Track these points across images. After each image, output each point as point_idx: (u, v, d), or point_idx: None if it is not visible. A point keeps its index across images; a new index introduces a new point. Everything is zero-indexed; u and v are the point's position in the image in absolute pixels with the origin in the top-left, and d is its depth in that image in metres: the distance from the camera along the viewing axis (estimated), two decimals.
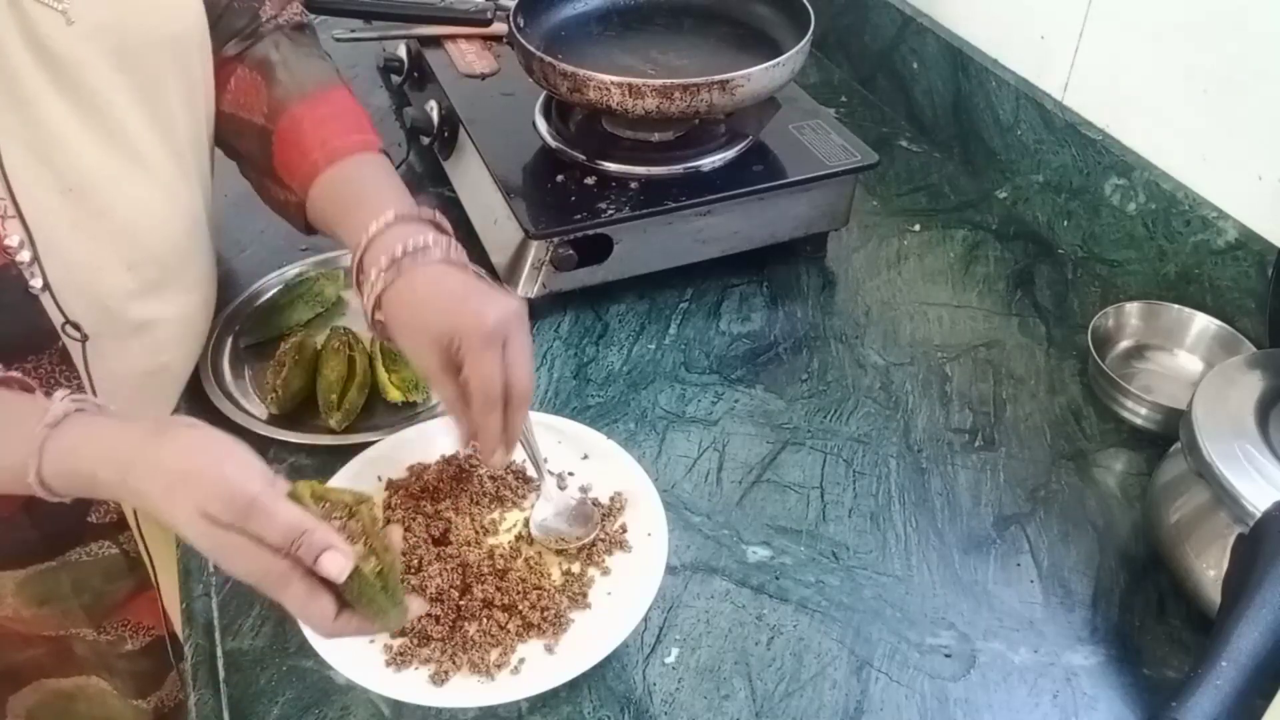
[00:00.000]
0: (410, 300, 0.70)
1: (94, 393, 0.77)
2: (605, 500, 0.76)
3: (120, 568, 0.92)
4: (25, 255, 0.71)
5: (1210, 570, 0.69)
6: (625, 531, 0.74)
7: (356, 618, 0.59)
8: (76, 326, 0.75)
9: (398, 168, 1.15)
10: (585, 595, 0.70)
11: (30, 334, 0.66)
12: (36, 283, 0.72)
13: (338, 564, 0.56)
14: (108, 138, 0.73)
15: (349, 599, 0.58)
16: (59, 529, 0.87)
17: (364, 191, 0.79)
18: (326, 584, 0.57)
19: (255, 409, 0.85)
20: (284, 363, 0.85)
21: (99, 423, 0.61)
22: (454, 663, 0.65)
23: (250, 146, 0.85)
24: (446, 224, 0.77)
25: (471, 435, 0.70)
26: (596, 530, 0.73)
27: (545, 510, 0.75)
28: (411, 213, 0.75)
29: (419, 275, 0.71)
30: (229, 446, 0.58)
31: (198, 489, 0.55)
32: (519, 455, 0.79)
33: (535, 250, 0.92)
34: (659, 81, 0.89)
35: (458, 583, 0.69)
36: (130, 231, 0.77)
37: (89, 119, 0.72)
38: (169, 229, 0.81)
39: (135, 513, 0.88)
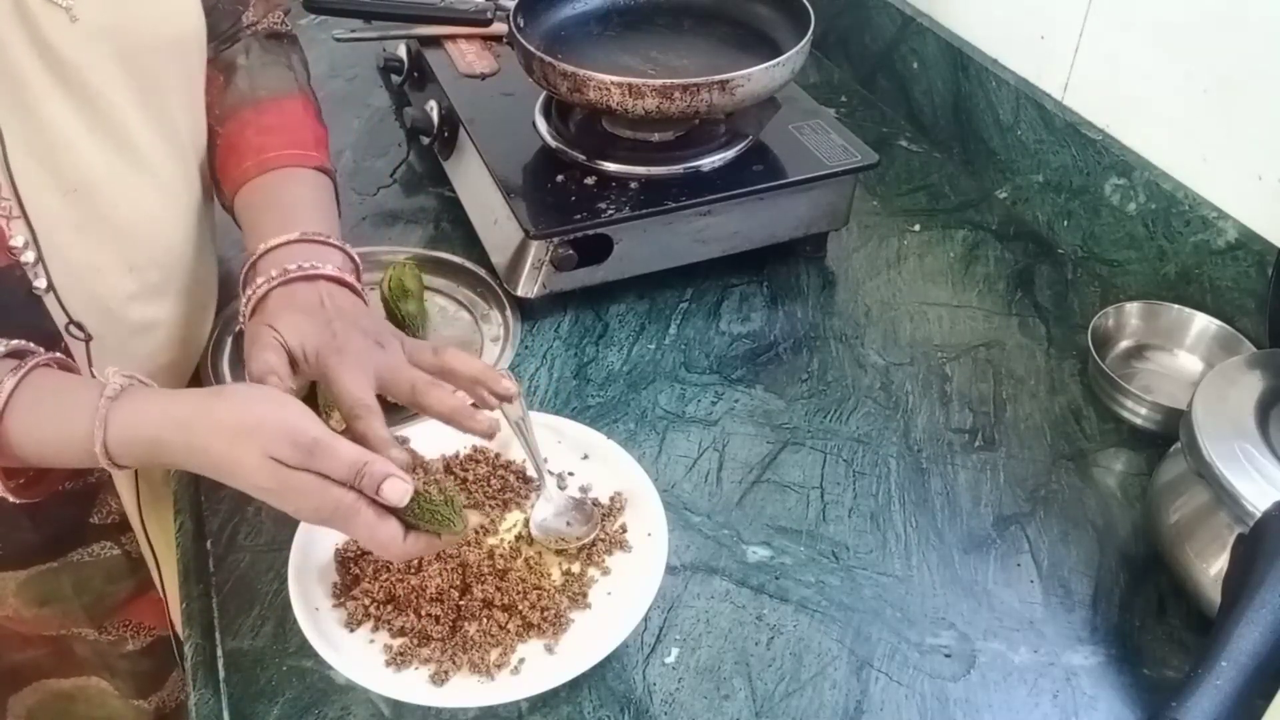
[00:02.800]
0: (287, 307, 0.70)
1: None
2: (605, 500, 0.76)
3: (122, 568, 0.92)
4: (30, 256, 0.71)
5: (1210, 570, 0.69)
6: (625, 531, 0.74)
7: (424, 537, 0.62)
8: (80, 327, 0.75)
9: (397, 168, 1.17)
10: (585, 595, 0.70)
11: (34, 335, 0.67)
12: (40, 284, 0.72)
13: (399, 490, 0.59)
14: (110, 139, 0.73)
15: (412, 522, 0.62)
16: (61, 530, 0.87)
17: (279, 206, 0.78)
18: (391, 512, 0.61)
19: None
20: None
21: (153, 392, 0.63)
22: (454, 663, 0.65)
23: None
24: (354, 255, 0.76)
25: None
26: (596, 530, 0.73)
27: (545, 510, 0.75)
28: (319, 236, 0.74)
29: (280, 294, 0.70)
30: (282, 398, 0.61)
31: (262, 436, 0.58)
32: (518, 455, 0.79)
33: (535, 250, 0.92)
34: (659, 81, 0.89)
35: (458, 583, 0.69)
36: (132, 233, 0.77)
37: (92, 120, 0.72)
38: (171, 231, 0.81)
39: (140, 512, 0.88)
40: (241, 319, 0.73)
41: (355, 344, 0.68)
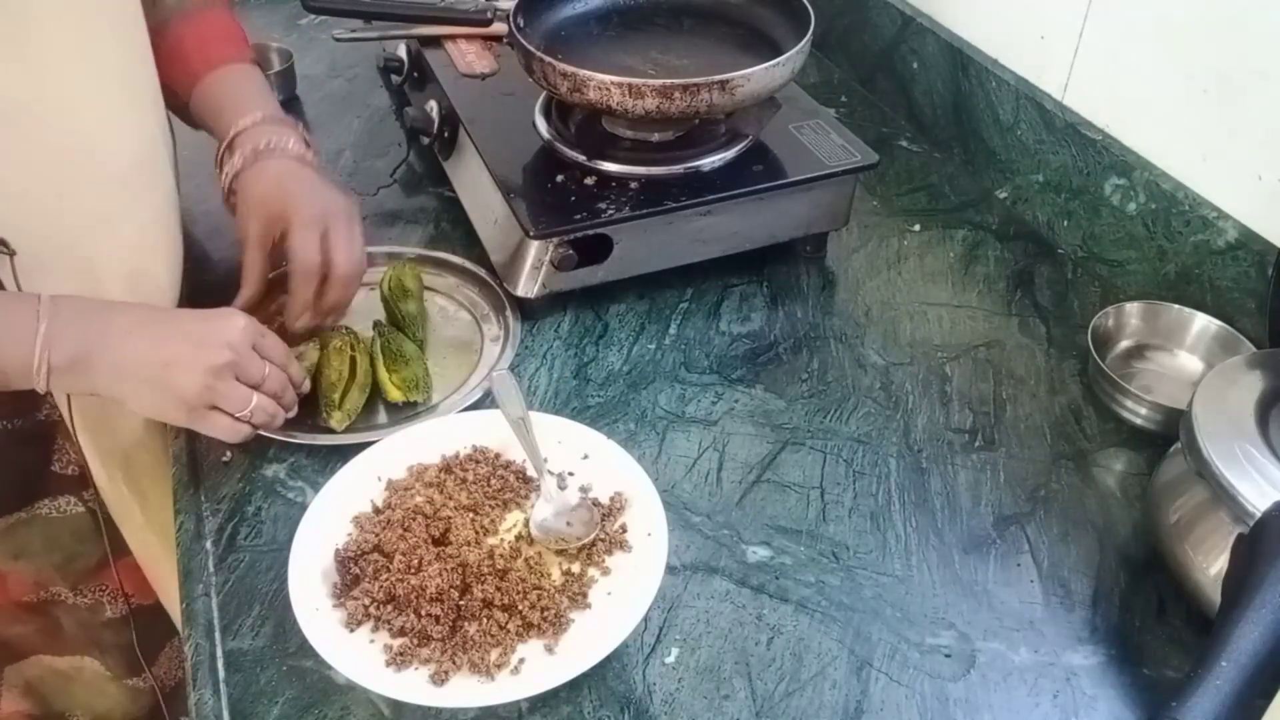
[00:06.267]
0: (258, 181, 0.85)
1: None
2: (605, 500, 0.76)
3: (89, 529, 0.92)
4: None
5: (1210, 570, 0.69)
6: (625, 531, 0.74)
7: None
8: (4, 243, 0.74)
9: (397, 168, 1.17)
10: (585, 595, 0.70)
11: None
12: None
13: (291, 399, 0.81)
14: (32, 66, 0.73)
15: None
16: (22, 476, 0.88)
17: (235, 95, 0.91)
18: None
19: None
20: None
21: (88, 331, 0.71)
22: (454, 663, 0.65)
23: None
24: (304, 132, 0.90)
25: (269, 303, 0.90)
26: (596, 530, 0.73)
27: (545, 510, 0.75)
28: (277, 115, 0.89)
29: (273, 164, 0.86)
30: (176, 344, 0.72)
31: (171, 389, 0.72)
32: (518, 455, 0.79)
33: (535, 250, 0.92)
34: (659, 81, 0.89)
35: (458, 583, 0.69)
36: (58, 158, 0.77)
37: (12, 42, 0.71)
38: (99, 159, 0.80)
39: (103, 472, 0.89)
40: (221, 192, 0.88)
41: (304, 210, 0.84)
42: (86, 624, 0.97)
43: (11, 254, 0.75)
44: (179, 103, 0.93)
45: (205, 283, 0.97)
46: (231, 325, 0.74)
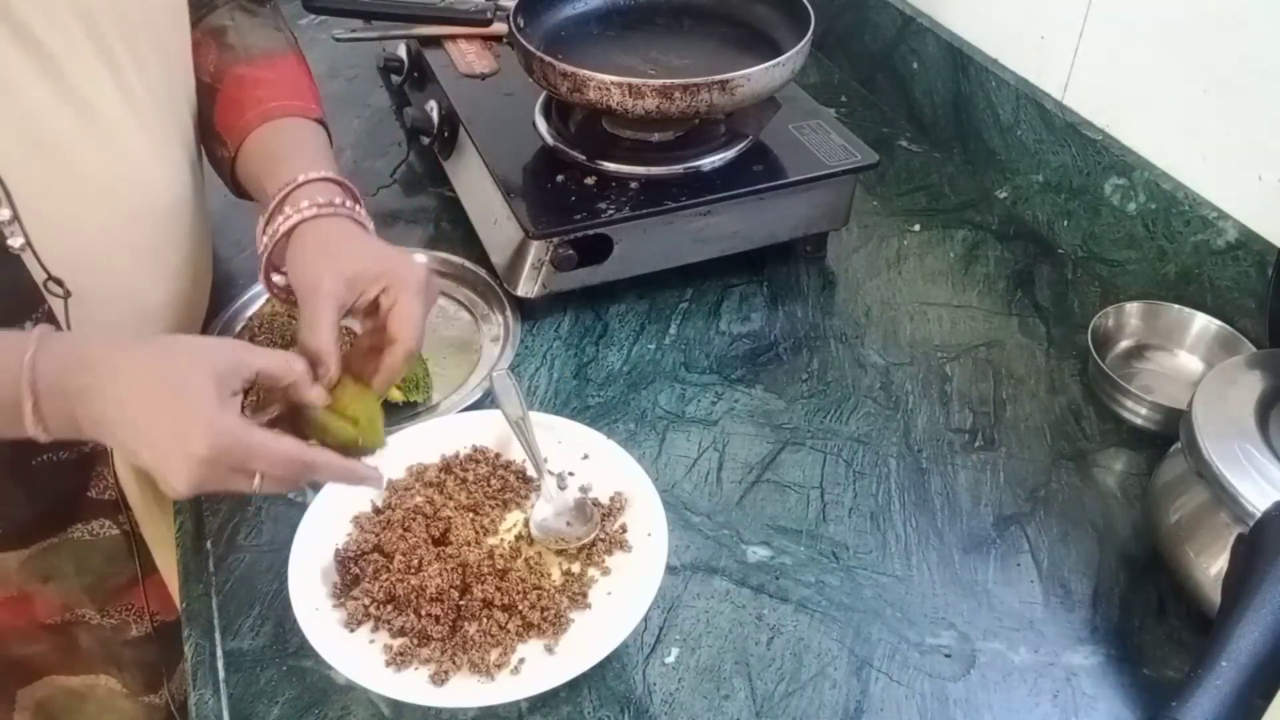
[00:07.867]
0: (328, 237, 0.74)
1: None
2: (605, 500, 0.76)
3: (121, 550, 0.92)
4: (4, 213, 0.70)
5: (1210, 570, 0.69)
6: (625, 531, 0.74)
7: (327, 450, 0.66)
8: (59, 283, 0.74)
9: (397, 168, 1.17)
10: (585, 595, 0.70)
11: (15, 294, 0.66)
12: (16, 242, 0.71)
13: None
14: (72, 102, 0.73)
15: (317, 438, 0.67)
16: (57, 503, 0.87)
17: (292, 150, 0.81)
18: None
19: None
20: None
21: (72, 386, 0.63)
22: (454, 663, 0.65)
23: (198, 106, 0.87)
24: (359, 198, 0.79)
25: (346, 370, 0.71)
26: (596, 530, 0.73)
27: (545, 510, 0.75)
28: (335, 177, 0.78)
29: (337, 222, 0.75)
30: (147, 454, 0.62)
31: (169, 465, 0.61)
32: (518, 455, 0.79)
33: (535, 250, 0.92)
34: (659, 81, 0.89)
35: (458, 583, 0.69)
36: (106, 194, 0.77)
37: (49, 78, 0.71)
38: (146, 195, 0.80)
39: (138, 491, 0.88)
40: (262, 246, 0.76)
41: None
42: (107, 642, 0.96)
43: (66, 295, 0.75)
44: (226, 155, 0.84)
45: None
46: (186, 466, 0.61)
